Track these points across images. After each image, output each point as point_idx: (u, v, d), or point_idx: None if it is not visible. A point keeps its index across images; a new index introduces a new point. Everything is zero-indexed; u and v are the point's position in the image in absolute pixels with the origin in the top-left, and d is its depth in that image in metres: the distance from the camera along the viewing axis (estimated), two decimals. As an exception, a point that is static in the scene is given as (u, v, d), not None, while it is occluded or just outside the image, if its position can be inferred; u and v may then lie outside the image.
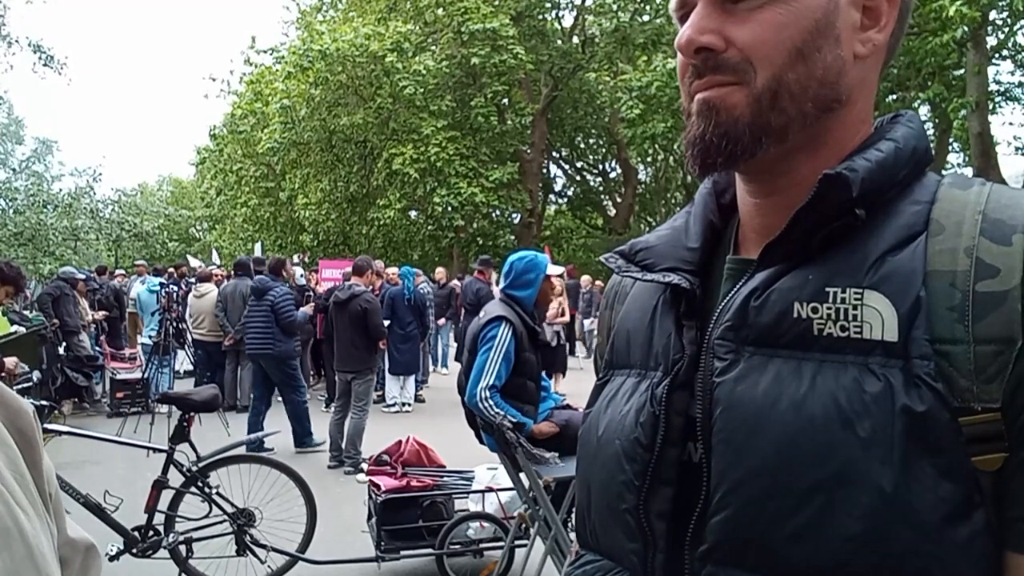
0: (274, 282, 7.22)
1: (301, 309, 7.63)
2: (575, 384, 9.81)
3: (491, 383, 3.44)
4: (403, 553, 3.95)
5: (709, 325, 0.74)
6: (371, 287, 7.40)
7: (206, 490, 3.85)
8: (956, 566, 0.59)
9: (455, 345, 11.53)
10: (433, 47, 19.17)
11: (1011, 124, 30.85)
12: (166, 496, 3.85)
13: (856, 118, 0.74)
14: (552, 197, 26.59)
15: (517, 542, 3.80)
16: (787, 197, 0.73)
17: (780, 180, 0.74)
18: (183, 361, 9.89)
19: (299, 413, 7.01)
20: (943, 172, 0.75)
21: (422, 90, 17.81)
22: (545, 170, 24.34)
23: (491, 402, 3.41)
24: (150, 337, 9.02)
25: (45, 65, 16.84)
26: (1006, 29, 14.66)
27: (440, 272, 12.75)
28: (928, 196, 0.68)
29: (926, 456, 0.59)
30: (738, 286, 0.73)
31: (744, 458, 0.66)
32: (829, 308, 0.65)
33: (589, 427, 0.83)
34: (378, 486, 4.05)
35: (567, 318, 9.83)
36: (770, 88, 0.69)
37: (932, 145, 0.79)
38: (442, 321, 11.94)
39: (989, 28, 12.86)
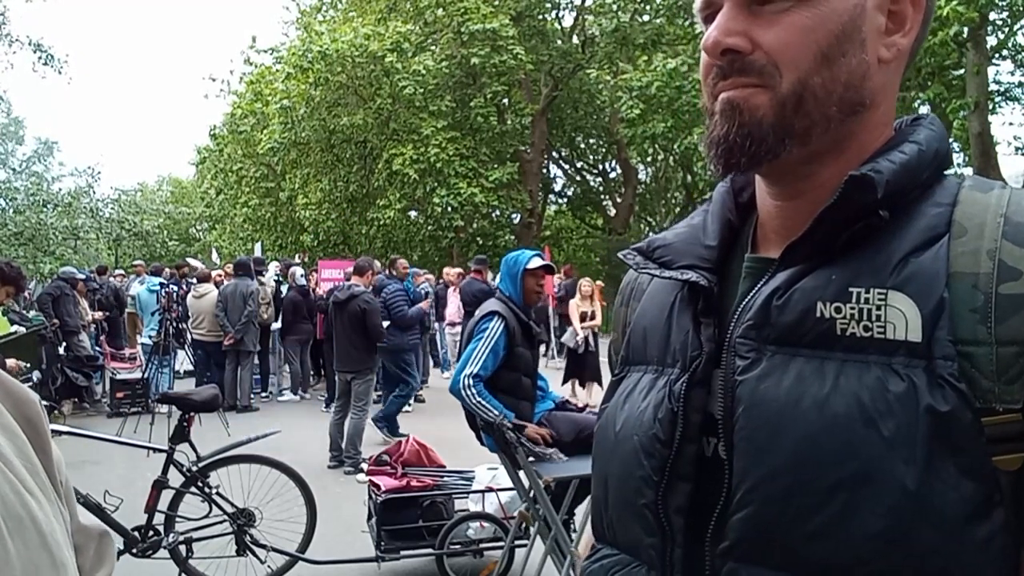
0: (389, 280, 8.12)
1: (416, 306, 8.05)
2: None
3: (475, 371, 3.45)
4: (403, 553, 3.95)
5: (726, 322, 0.74)
6: (371, 287, 7.44)
7: (206, 490, 3.85)
8: (975, 564, 0.59)
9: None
10: (433, 47, 19.14)
11: (1011, 124, 30.73)
12: (166, 496, 3.84)
13: (879, 121, 0.74)
14: (552, 197, 26.54)
15: (517, 542, 3.81)
16: (810, 200, 0.73)
17: (803, 183, 0.75)
18: (183, 361, 9.89)
19: (390, 407, 7.52)
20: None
21: (422, 90, 17.78)
22: (545, 170, 24.30)
23: (473, 390, 3.42)
24: (150, 337, 9.02)
25: (45, 64, 16.87)
26: (1006, 29, 14.65)
27: (450, 273, 12.32)
28: (949, 198, 0.69)
29: (949, 456, 0.60)
30: (760, 285, 0.73)
31: (766, 456, 0.66)
32: (852, 308, 0.66)
33: (606, 423, 0.84)
34: (378, 486, 4.05)
35: (597, 321, 9.62)
36: (795, 92, 0.69)
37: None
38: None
39: (989, 28, 12.85)
